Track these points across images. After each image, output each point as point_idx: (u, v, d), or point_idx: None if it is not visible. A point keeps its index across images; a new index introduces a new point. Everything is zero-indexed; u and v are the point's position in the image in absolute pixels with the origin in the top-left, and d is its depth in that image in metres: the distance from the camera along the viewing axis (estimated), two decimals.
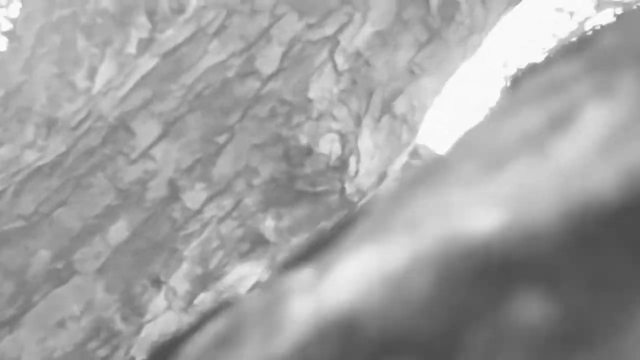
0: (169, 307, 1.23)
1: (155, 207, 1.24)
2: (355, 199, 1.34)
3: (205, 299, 1.28)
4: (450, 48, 1.32)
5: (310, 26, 1.25)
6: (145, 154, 1.26)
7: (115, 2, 1.93)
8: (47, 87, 1.72)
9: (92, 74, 1.91)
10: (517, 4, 1.35)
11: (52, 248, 1.22)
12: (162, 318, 1.22)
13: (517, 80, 0.20)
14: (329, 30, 1.25)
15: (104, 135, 1.27)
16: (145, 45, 1.74)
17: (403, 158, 1.44)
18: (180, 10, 1.75)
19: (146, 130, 1.27)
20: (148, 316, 1.21)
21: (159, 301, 1.22)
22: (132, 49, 1.96)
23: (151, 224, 1.24)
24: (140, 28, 1.92)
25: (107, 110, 1.29)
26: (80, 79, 1.92)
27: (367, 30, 1.26)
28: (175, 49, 1.31)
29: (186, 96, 1.27)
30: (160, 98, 1.28)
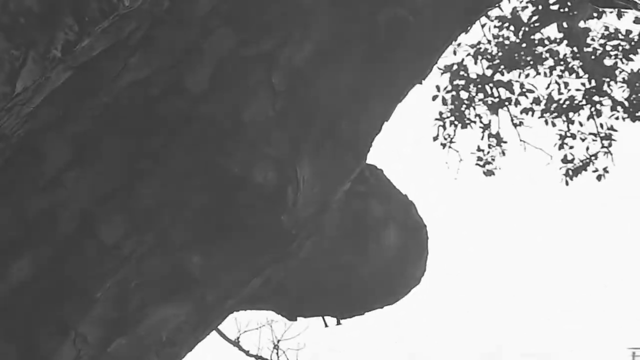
0: (77, 357, 1.08)
1: (65, 242, 1.09)
2: (294, 231, 1.22)
3: (122, 345, 1.13)
4: (398, 69, 1.21)
5: (245, 42, 1.12)
6: (54, 181, 1.10)
7: (40, 1, 1.75)
8: None
9: (12, 78, 1.72)
10: (469, 25, 1.26)
11: None
12: None
13: None
14: (265, 46, 1.12)
15: (6, 159, 1.11)
16: (73, 48, 1.57)
17: (347, 185, 1.33)
18: (112, 12, 1.59)
19: (56, 153, 1.11)
20: None
21: (65, 350, 1.07)
22: (57, 52, 1.78)
23: (60, 261, 1.08)
24: (66, 30, 1.75)
25: (11, 129, 1.13)
26: None
27: (308, 47, 1.14)
28: (92, 61, 1.16)
29: (103, 115, 1.12)
30: (74, 117, 1.13)
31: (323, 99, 1.17)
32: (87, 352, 1.09)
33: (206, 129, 1.11)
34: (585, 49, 5.80)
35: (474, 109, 6.07)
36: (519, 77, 6.15)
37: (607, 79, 5.85)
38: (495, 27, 5.61)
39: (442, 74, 5.88)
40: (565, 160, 6.12)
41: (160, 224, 1.11)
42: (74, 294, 1.08)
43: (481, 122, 6.00)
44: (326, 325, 1.60)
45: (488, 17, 5.48)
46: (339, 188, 1.28)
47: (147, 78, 1.12)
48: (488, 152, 6.18)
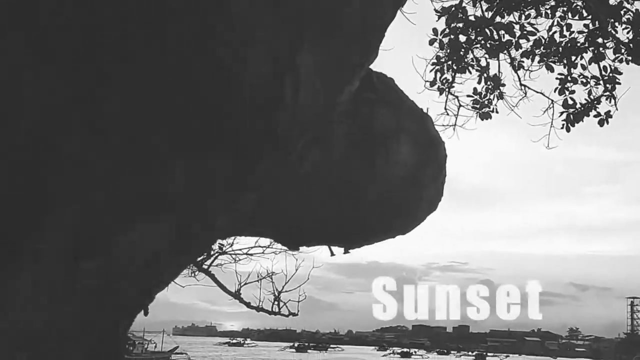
0: (39, 280, 0.90)
1: (22, 150, 0.89)
2: (294, 134, 1.02)
3: (92, 268, 0.95)
4: None
5: None
6: (11, 81, 0.90)
7: None
8: None
9: None
10: None
11: None
12: (28, 304, 0.88)
13: None
14: None
15: None
16: None
17: (354, 84, 1.13)
18: None
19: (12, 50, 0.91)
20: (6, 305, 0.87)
21: (24, 272, 0.89)
22: None
23: (16, 175, 0.89)
24: None
25: None
26: None
27: None
28: None
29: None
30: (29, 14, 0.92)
31: None
32: (52, 275, 0.91)
33: (187, 5, 0.90)
34: None
35: (472, 52, 5.79)
36: (520, 19, 5.85)
37: (612, 20, 5.57)
38: None
39: (439, 17, 5.56)
40: (566, 105, 5.86)
41: (132, 132, 0.92)
42: (34, 211, 0.90)
43: (479, 65, 5.73)
44: (332, 254, 1.43)
45: None
46: (345, 86, 1.09)
47: None
48: (485, 96, 5.91)
